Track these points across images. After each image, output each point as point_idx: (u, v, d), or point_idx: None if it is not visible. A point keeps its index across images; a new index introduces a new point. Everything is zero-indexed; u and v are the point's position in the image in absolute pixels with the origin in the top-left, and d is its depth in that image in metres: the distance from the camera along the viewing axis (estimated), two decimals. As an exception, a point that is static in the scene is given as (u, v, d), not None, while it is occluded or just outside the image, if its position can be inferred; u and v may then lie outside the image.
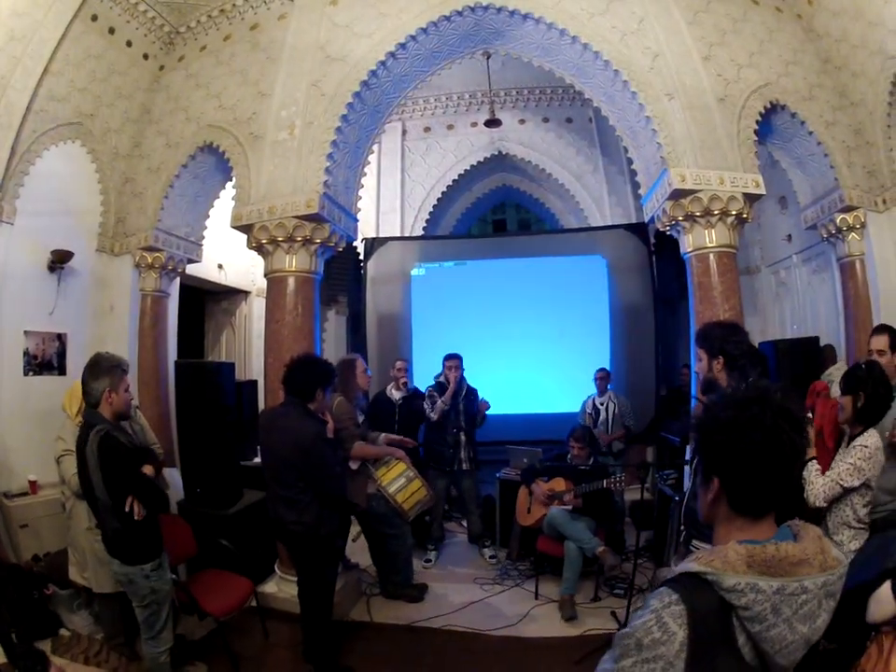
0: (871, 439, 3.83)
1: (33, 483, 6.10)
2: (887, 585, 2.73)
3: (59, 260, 6.67)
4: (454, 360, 7.76)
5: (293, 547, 5.05)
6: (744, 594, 1.44)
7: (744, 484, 1.64)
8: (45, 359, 6.62)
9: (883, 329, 4.87)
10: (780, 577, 1.46)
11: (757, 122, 6.27)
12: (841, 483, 3.78)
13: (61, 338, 6.80)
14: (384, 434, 6.51)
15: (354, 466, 5.91)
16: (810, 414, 4.25)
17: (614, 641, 1.55)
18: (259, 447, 5.60)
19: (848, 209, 6.73)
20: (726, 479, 1.67)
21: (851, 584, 2.15)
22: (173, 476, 6.73)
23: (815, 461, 3.97)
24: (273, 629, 5.57)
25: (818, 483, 3.84)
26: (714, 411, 1.74)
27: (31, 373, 6.47)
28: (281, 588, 6.16)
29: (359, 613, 6.18)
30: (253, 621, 5.56)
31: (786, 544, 1.53)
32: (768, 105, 6.37)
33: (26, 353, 6.43)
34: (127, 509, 3.92)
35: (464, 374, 7.84)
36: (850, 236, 6.84)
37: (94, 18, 6.73)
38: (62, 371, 6.76)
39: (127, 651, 4.96)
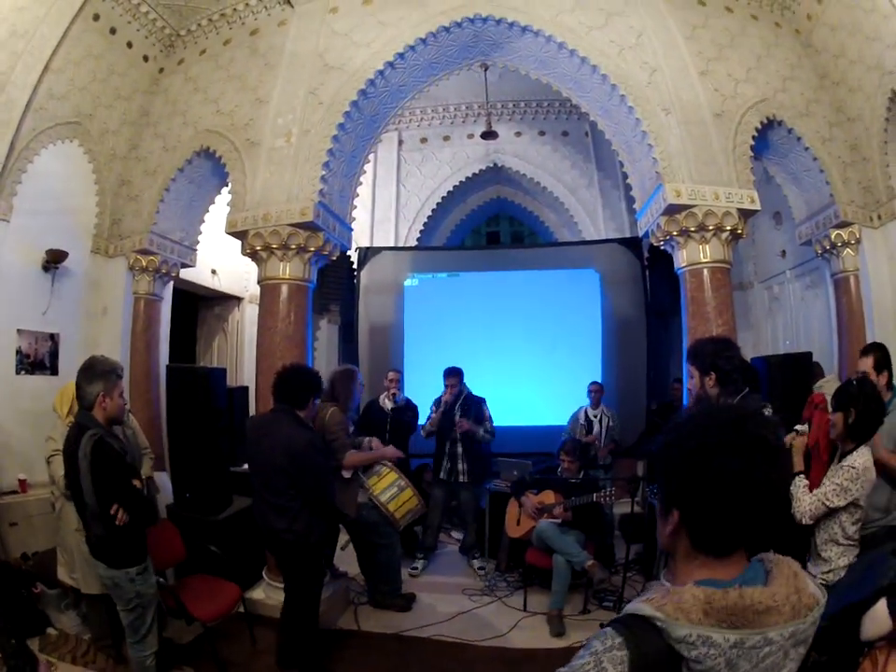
0: (860, 459, 3.79)
1: (23, 482, 6.10)
2: (882, 603, 2.69)
3: (53, 260, 6.68)
4: (452, 378, 7.80)
5: (283, 555, 4.99)
6: (695, 646, 1.30)
7: (707, 521, 1.48)
8: (37, 359, 6.62)
9: (869, 350, 4.88)
10: (741, 628, 1.32)
11: (753, 138, 6.31)
12: (826, 503, 3.76)
13: (53, 338, 6.80)
14: (367, 438, 6.46)
15: (346, 475, 5.91)
16: (806, 426, 4.26)
17: None
18: (247, 454, 5.53)
19: (843, 225, 6.76)
20: (687, 512, 1.50)
21: (843, 604, 2.13)
22: (162, 480, 6.69)
23: (802, 476, 3.95)
24: (260, 635, 5.53)
25: (804, 501, 3.82)
26: (678, 434, 1.56)
27: (23, 372, 6.47)
28: (269, 594, 6.12)
29: (347, 622, 6.16)
30: (240, 627, 5.53)
31: (752, 589, 1.37)
32: (765, 121, 6.41)
33: (19, 351, 6.43)
34: (112, 512, 3.91)
35: (464, 385, 7.87)
36: (845, 252, 6.87)
37: (96, 17, 6.75)
38: (54, 371, 6.76)
39: (114, 652, 4.92)
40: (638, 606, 1.40)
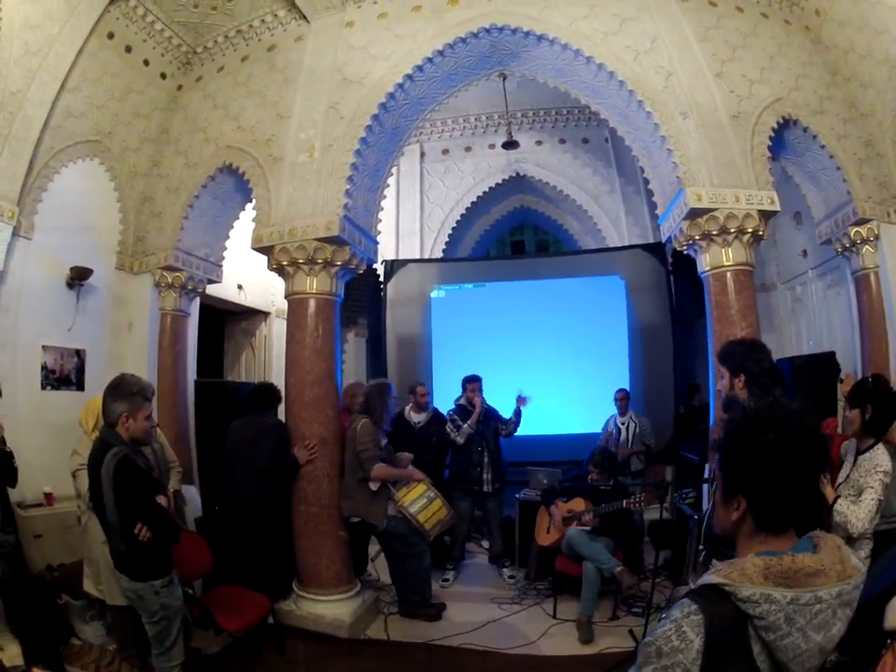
0: (884, 457, 3.93)
1: (48, 495, 6.15)
2: None
3: (78, 277, 6.75)
4: (475, 383, 7.81)
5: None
6: (758, 604, 1.50)
7: (771, 505, 1.72)
8: (63, 374, 6.68)
9: None
10: (795, 587, 1.51)
11: (770, 138, 6.26)
12: (881, 499, 3.84)
13: (79, 354, 6.86)
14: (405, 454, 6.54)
15: (374, 487, 5.96)
16: None
17: (639, 650, 1.63)
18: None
19: (862, 222, 6.68)
20: (754, 499, 1.73)
21: (866, 596, 2.15)
22: (191, 494, 6.73)
23: (840, 500, 3.94)
24: (288, 646, 5.55)
25: (861, 511, 3.83)
26: (744, 433, 1.78)
27: (48, 388, 6.54)
28: (298, 605, 6.12)
29: (377, 631, 6.16)
30: (269, 637, 5.55)
31: (802, 556, 1.58)
32: (780, 121, 6.36)
33: (44, 367, 6.50)
34: (136, 531, 3.93)
35: (482, 395, 7.85)
36: (864, 249, 6.79)
37: (111, 35, 6.83)
38: (80, 386, 6.82)
39: (139, 663, 4.91)
40: (708, 577, 1.61)
